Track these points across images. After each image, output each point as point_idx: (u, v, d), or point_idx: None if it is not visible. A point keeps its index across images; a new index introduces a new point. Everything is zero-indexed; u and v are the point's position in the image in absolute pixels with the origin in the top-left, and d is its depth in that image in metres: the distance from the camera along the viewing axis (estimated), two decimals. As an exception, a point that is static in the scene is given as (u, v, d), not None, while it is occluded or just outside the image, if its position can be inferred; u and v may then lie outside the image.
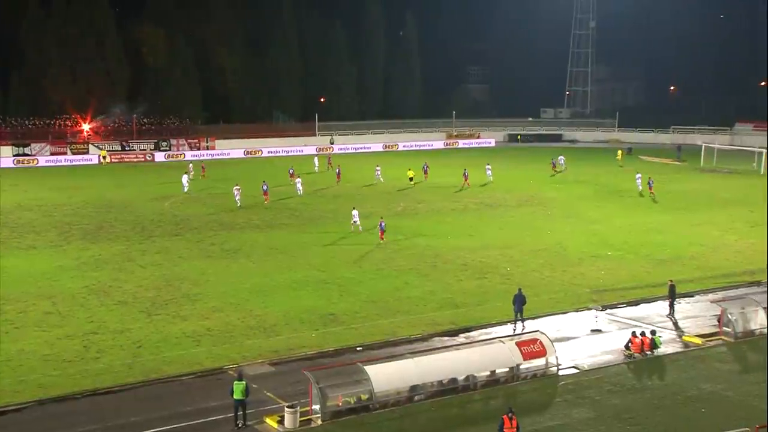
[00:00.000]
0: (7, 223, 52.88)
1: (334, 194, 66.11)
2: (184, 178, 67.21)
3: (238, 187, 59.93)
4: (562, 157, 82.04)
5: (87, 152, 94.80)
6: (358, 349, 29.03)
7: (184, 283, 37.65)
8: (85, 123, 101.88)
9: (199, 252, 44.39)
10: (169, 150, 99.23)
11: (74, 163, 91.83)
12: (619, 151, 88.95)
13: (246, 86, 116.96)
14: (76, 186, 71.25)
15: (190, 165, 77.48)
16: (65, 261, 42.05)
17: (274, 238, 48.14)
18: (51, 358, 27.72)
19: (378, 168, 73.45)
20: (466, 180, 69.15)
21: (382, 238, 46.34)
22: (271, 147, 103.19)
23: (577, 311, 34.03)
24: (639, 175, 66.46)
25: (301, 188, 64.56)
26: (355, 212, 49.64)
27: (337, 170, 74.03)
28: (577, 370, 27.44)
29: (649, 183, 64.34)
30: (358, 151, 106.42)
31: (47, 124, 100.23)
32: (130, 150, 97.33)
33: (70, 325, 31.33)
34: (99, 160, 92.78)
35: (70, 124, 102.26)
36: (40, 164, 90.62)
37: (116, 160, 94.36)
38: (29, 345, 29.01)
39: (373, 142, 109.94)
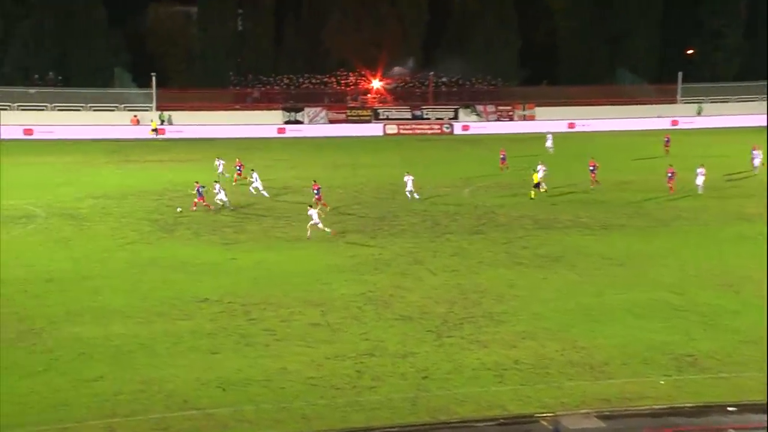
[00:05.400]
0: (272, 209, 57.52)
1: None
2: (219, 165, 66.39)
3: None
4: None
5: (370, 121, 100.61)
6: (729, 409, 27.71)
7: (485, 297, 38.31)
8: (373, 80, 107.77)
9: (505, 257, 45.03)
10: (477, 119, 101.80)
11: (354, 133, 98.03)
12: None
13: (581, 34, 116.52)
14: (354, 163, 75.65)
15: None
16: (338, 259, 44.68)
17: (610, 244, 47.60)
18: (317, 383, 29.44)
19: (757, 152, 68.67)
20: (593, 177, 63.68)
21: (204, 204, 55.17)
22: (608, 119, 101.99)
23: None
24: (701, 170, 59.89)
25: (260, 186, 60.55)
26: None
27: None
28: None
29: None
30: (740, 126, 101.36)
31: (324, 84, 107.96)
32: (423, 119, 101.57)
33: (341, 342, 33.11)
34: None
35: (352, 82, 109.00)
36: (313, 134, 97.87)
37: (407, 132, 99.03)
38: (293, 364, 31.06)
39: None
